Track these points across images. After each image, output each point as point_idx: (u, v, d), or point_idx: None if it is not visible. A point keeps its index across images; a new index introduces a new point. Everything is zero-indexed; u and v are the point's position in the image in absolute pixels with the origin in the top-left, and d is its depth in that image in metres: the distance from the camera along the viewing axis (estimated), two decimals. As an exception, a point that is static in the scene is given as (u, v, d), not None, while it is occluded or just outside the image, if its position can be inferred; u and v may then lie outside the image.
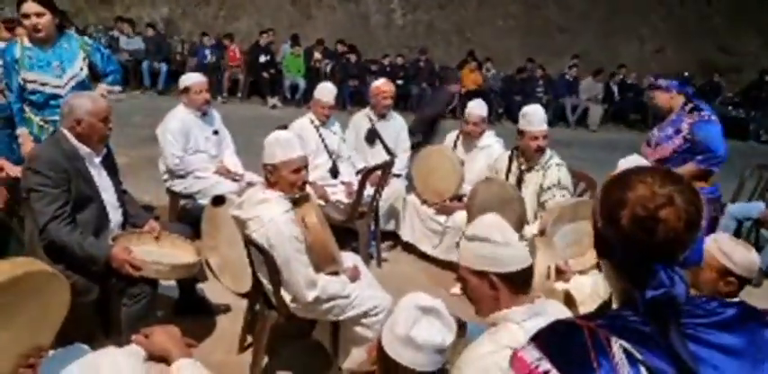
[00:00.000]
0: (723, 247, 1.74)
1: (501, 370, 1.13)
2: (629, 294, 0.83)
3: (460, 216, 3.41)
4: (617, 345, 0.76)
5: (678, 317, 0.78)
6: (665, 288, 0.77)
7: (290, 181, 2.11)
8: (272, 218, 2.01)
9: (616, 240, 0.82)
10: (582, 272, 2.28)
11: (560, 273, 2.30)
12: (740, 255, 1.74)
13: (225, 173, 3.43)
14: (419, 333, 1.20)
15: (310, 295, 2.06)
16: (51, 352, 1.35)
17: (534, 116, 2.98)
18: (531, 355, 0.80)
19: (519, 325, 1.29)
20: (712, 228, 3.57)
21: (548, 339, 0.82)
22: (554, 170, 2.96)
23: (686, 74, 3.52)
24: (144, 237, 2.37)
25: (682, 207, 0.78)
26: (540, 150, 2.98)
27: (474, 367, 1.23)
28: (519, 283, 1.37)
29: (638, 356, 0.75)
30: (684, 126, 2.98)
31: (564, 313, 1.42)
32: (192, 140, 3.37)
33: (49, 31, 2.73)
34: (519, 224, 2.64)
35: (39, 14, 2.67)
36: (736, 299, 1.59)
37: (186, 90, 3.35)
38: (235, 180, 3.44)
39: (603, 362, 0.75)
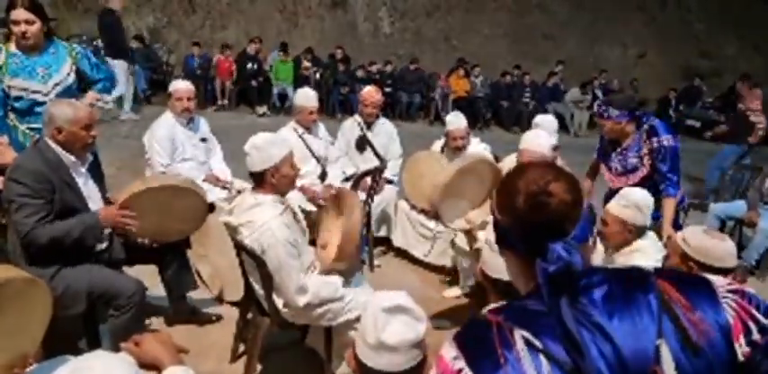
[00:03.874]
0: (685, 234, 1.77)
1: None
2: (530, 282, 0.87)
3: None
4: (519, 337, 0.79)
5: (575, 289, 0.81)
6: (562, 260, 0.80)
7: (290, 177, 2.14)
8: (264, 222, 2.01)
9: (514, 227, 0.87)
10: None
11: (470, 235, 2.45)
12: (697, 240, 1.73)
13: (214, 181, 3.41)
14: (390, 336, 1.18)
15: (302, 300, 2.05)
16: (36, 365, 1.33)
17: (548, 127, 3.03)
18: (449, 354, 0.83)
19: None
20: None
21: (463, 337, 0.85)
22: None
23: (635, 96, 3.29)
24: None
25: (566, 183, 0.86)
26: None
27: None
28: (504, 293, 1.37)
29: (539, 345, 0.78)
30: (644, 152, 2.90)
31: None
32: (179, 148, 3.35)
33: (38, 38, 2.71)
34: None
35: (29, 22, 2.65)
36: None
37: (170, 96, 3.36)
38: (224, 188, 3.42)
39: (509, 356, 0.78)
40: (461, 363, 0.80)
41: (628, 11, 13.76)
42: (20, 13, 2.63)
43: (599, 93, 11.26)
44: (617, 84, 11.62)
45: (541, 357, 0.77)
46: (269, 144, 2.09)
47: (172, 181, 2.36)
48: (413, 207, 3.68)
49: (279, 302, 2.14)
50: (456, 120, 3.54)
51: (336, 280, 2.20)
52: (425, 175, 3.57)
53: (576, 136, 10.40)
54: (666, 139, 2.86)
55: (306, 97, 3.63)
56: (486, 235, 1.50)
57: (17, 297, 1.25)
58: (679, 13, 14.39)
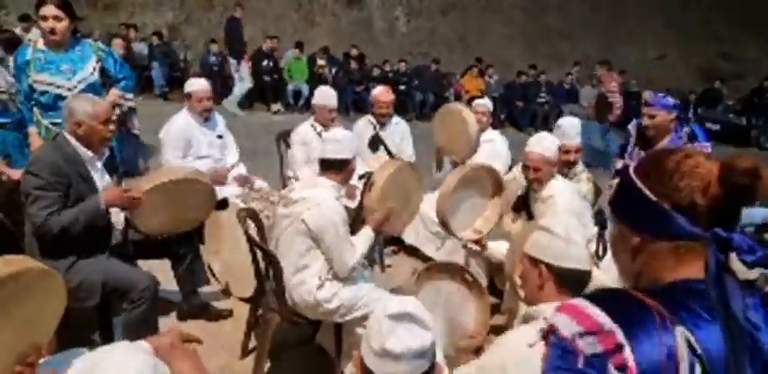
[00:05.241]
0: None
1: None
2: (671, 273, 0.80)
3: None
4: (680, 334, 0.72)
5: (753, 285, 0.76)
6: (759, 251, 0.73)
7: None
8: (324, 200, 2.11)
9: (690, 210, 0.77)
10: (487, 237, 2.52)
11: (480, 244, 2.48)
12: None
13: (243, 181, 3.39)
14: (395, 344, 1.15)
15: (352, 266, 2.18)
16: (49, 357, 1.35)
17: (566, 129, 3.01)
18: (593, 311, 0.74)
19: None
20: None
21: (614, 307, 0.75)
22: (584, 185, 2.93)
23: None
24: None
25: None
26: (570, 164, 2.95)
27: (514, 355, 1.24)
28: (567, 282, 1.40)
29: (698, 350, 0.72)
30: None
31: None
32: (194, 145, 3.36)
33: (65, 35, 2.77)
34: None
35: (57, 18, 2.70)
36: None
37: (189, 95, 3.36)
38: (251, 188, 3.41)
39: (668, 342, 0.71)
40: (612, 325, 0.71)
41: (646, 11, 13.57)
42: (50, 10, 2.69)
43: (616, 95, 11.11)
44: (635, 86, 11.45)
45: (697, 365, 0.71)
46: (354, 136, 2.28)
47: (173, 174, 2.39)
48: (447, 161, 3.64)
49: (302, 289, 2.16)
50: (484, 100, 3.84)
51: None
52: (454, 129, 3.49)
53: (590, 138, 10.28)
54: (705, 147, 2.84)
55: (325, 96, 3.66)
56: (543, 222, 1.51)
57: (32, 287, 1.27)
58: (699, 13, 14.14)
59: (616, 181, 0.88)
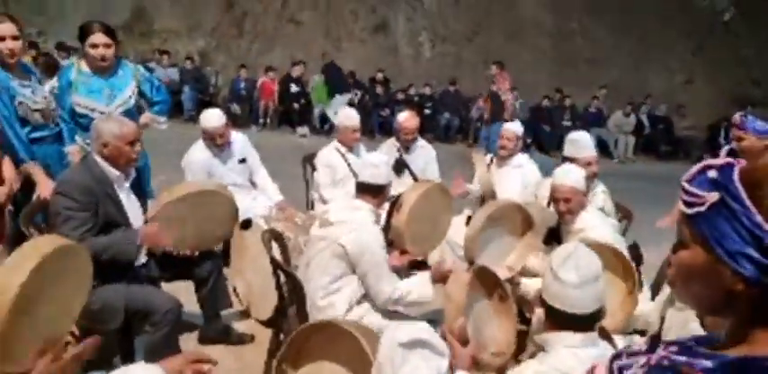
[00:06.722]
0: None
1: None
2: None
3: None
4: None
5: None
6: None
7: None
8: (361, 224, 2.10)
9: None
10: (523, 274, 2.42)
11: (513, 282, 2.37)
12: None
13: (289, 215, 3.30)
14: None
15: (395, 295, 2.13)
16: None
17: (585, 142, 3.00)
18: None
19: (572, 351, 1.28)
20: None
21: None
22: (600, 197, 2.91)
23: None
24: None
25: None
26: (594, 176, 2.92)
27: None
28: (561, 321, 1.35)
29: None
30: None
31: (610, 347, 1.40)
32: (216, 176, 3.34)
33: (112, 61, 2.85)
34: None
35: (107, 45, 2.78)
36: None
37: (203, 131, 3.33)
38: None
39: None
40: None
41: (674, 35, 13.44)
42: (100, 38, 2.76)
43: (644, 120, 10.93)
44: (664, 110, 11.27)
45: None
46: (387, 164, 2.32)
47: (196, 186, 2.41)
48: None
49: (336, 313, 2.13)
50: (514, 124, 3.75)
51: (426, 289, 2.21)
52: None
53: (621, 162, 10.09)
54: None
55: (348, 117, 3.71)
56: (532, 263, 1.47)
57: (75, 268, 1.32)
58: (727, 37, 13.94)
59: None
